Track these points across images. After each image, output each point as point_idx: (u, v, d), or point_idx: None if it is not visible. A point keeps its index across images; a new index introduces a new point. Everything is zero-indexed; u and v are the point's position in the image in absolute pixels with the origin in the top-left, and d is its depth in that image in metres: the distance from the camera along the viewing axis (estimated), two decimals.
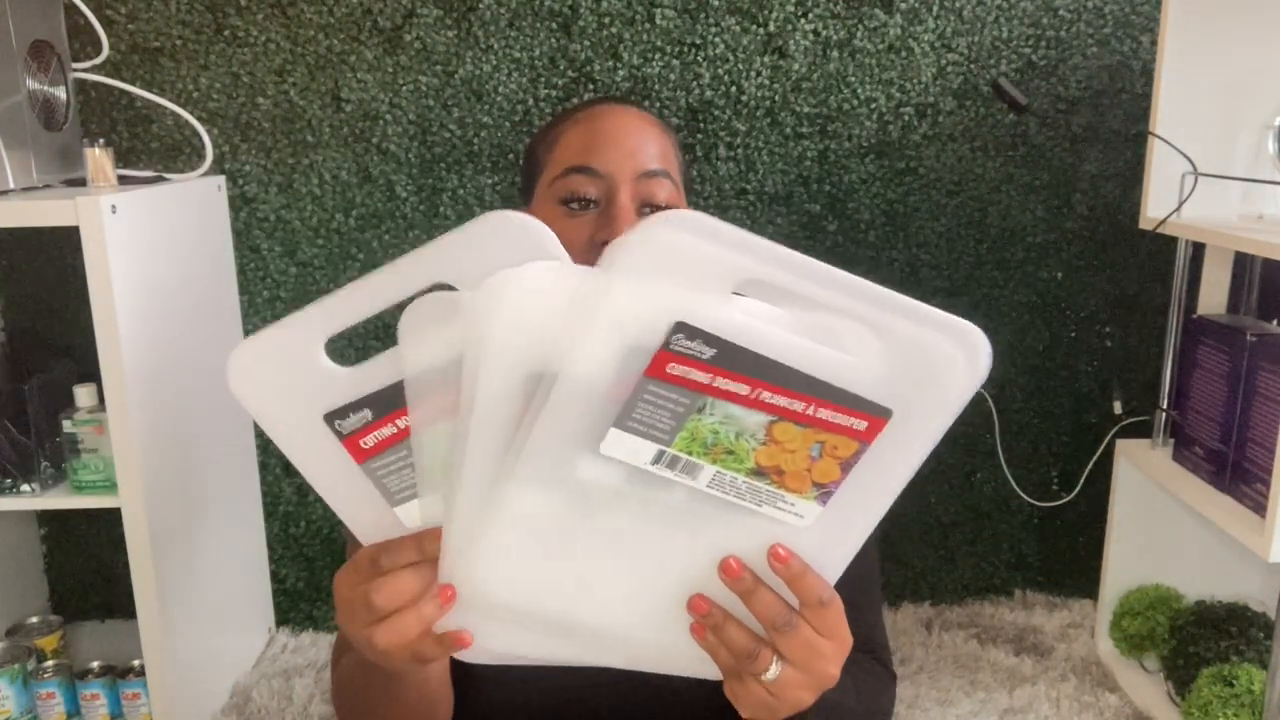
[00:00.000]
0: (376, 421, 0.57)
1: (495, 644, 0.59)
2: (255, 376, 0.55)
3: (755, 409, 0.52)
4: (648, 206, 0.83)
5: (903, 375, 0.51)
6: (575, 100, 1.55)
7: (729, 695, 0.60)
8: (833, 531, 0.55)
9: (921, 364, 0.51)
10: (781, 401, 0.51)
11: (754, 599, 0.56)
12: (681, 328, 0.50)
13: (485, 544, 0.56)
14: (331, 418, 0.56)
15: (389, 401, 0.57)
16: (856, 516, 0.55)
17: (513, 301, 0.52)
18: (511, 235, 0.52)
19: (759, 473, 0.53)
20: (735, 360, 0.51)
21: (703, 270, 0.50)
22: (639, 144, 0.84)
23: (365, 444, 0.57)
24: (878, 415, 0.52)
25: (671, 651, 0.59)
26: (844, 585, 0.58)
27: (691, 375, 0.51)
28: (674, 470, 0.54)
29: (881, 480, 0.54)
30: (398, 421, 0.57)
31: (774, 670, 0.57)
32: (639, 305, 0.50)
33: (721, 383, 0.51)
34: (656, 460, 0.53)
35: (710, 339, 0.50)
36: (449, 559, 0.56)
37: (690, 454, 0.53)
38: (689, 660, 0.60)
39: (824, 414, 0.52)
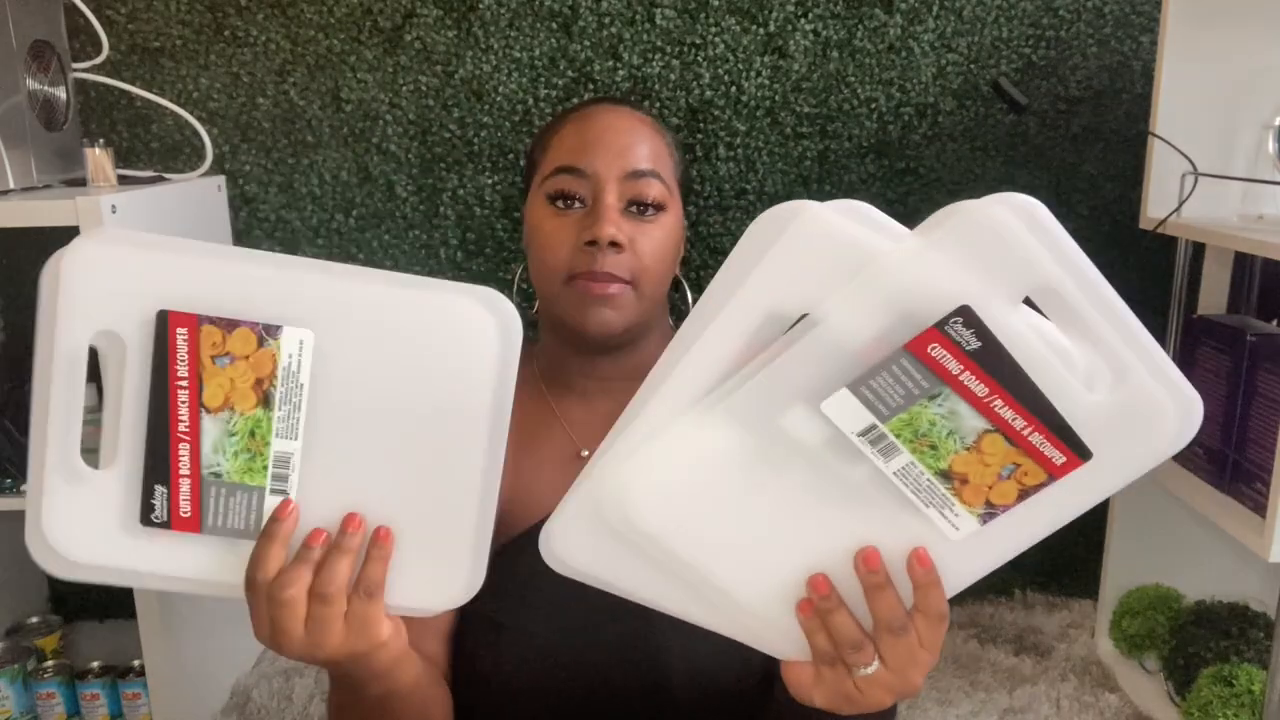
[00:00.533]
0: (171, 489, 0.58)
1: (584, 560, 0.60)
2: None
3: (981, 414, 0.52)
4: (635, 205, 0.83)
5: (1117, 424, 0.52)
6: (575, 100, 1.55)
7: (802, 680, 0.60)
8: (975, 552, 0.55)
9: (1139, 417, 0.52)
10: (1008, 414, 0.52)
11: (879, 595, 0.56)
12: (964, 312, 0.50)
13: (652, 465, 0.56)
14: (147, 521, 0.59)
15: (156, 460, 0.58)
16: (1001, 545, 0.55)
17: (789, 238, 0.51)
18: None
19: (946, 475, 0.54)
20: (991, 362, 0.51)
21: (1012, 263, 0.49)
22: (628, 144, 0.84)
23: (184, 515, 0.59)
24: (1078, 455, 0.52)
25: (764, 621, 0.59)
26: None
27: (946, 363, 0.51)
28: (874, 448, 0.54)
29: (1044, 518, 0.54)
30: (180, 470, 0.58)
31: (872, 667, 0.57)
32: (937, 276, 0.50)
33: (967, 378, 0.51)
34: (865, 432, 0.53)
35: (983, 333, 0.50)
36: (605, 464, 0.56)
37: (898, 436, 0.53)
38: (777, 635, 0.60)
39: (1035, 438, 0.52)
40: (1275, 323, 1.43)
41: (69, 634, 1.61)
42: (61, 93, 1.42)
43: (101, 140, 1.31)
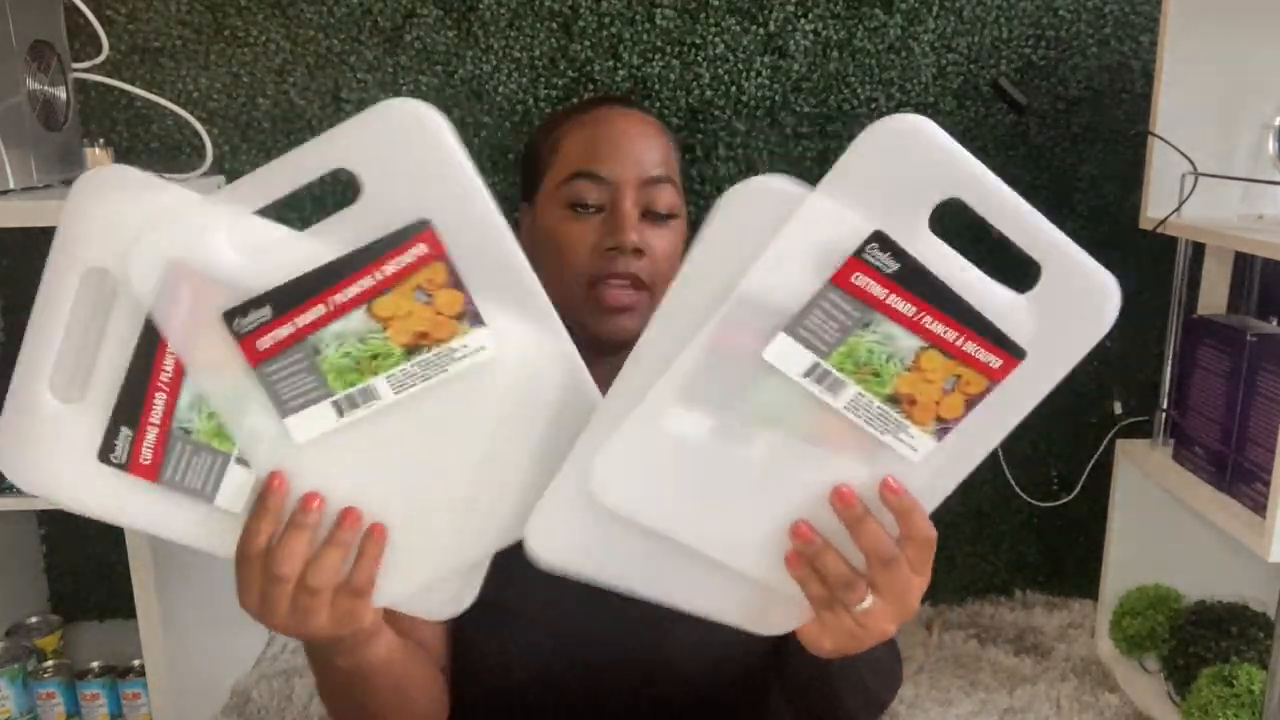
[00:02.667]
0: (275, 320, 0.56)
1: (569, 554, 0.60)
2: (155, 265, 0.55)
3: (913, 332, 0.54)
4: (650, 211, 0.85)
5: (1043, 318, 0.54)
6: (575, 100, 1.55)
7: (809, 635, 0.61)
8: (939, 469, 0.57)
9: (1061, 308, 0.54)
10: (939, 328, 0.54)
11: (862, 529, 0.57)
12: (877, 238, 0.53)
13: (618, 448, 0.57)
14: (231, 315, 0.56)
15: (291, 298, 0.56)
16: (961, 458, 0.57)
17: (795, 229, 0.53)
18: (412, 126, 0.55)
19: (894, 400, 0.55)
20: (912, 280, 0.53)
21: (910, 182, 0.52)
22: (643, 150, 0.85)
23: (261, 345, 0.57)
24: (1013, 355, 0.54)
25: (761, 590, 0.60)
26: None
27: (871, 288, 0.53)
28: (820, 385, 0.55)
29: (994, 422, 0.56)
30: (297, 320, 0.56)
31: (868, 602, 0.58)
32: (844, 211, 0.52)
33: (894, 300, 0.53)
34: (809, 372, 0.55)
35: (899, 254, 0.53)
36: (575, 454, 0.58)
37: (841, 370, 0.55)
38: (772, 604, 0.61)
39: (969, 347, 0.54)
40: (1275, 322, 1.43)
41: (69, 634, 1.61)
42: (61, 93, 1.42)
43: (101, 140, 1.31)
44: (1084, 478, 1.68)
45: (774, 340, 0.54)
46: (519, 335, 0.58)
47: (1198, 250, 1.48)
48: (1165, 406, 1.48)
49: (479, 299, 0.57)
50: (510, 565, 0.88)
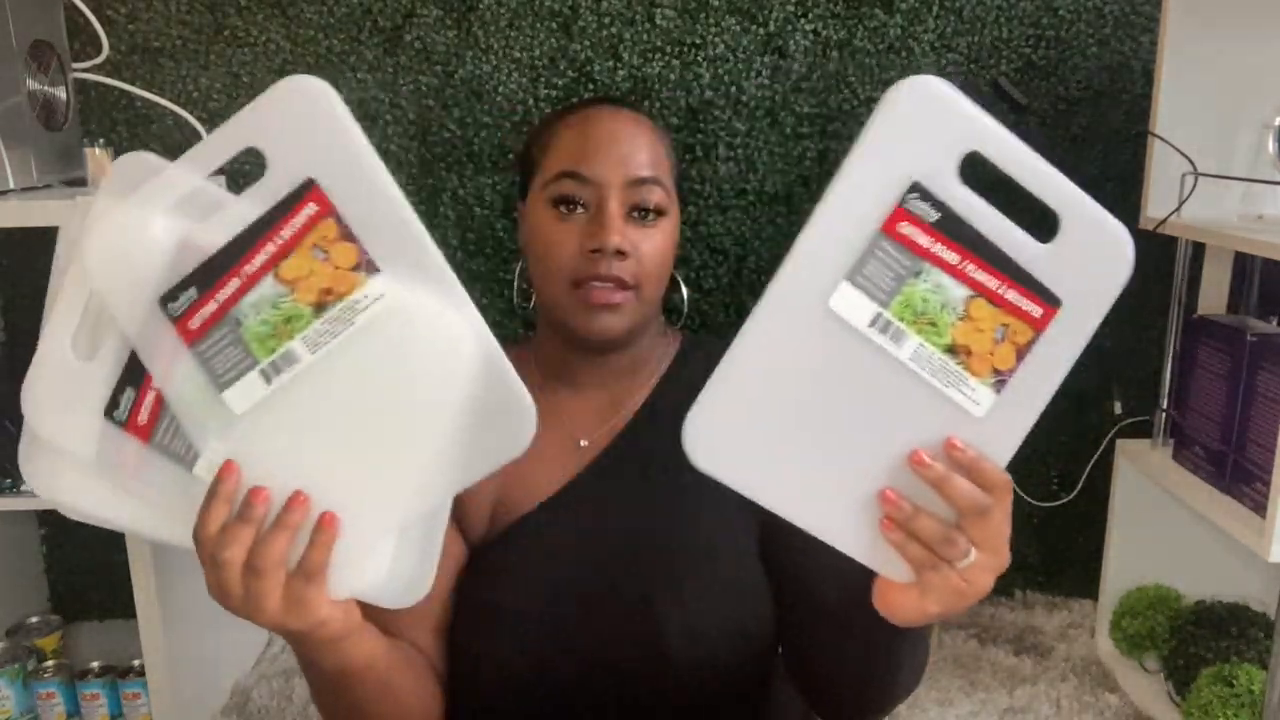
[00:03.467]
0: (200, 299, 0.59)
1: (722, 460, 0.61)
2: (104, 257, 0.59)
3: (961, 281, 0.56)
4: (637, 211, 0.85)
5: (1070, 266, 0.56)
6: (575, 100, 1.55)
7: (905, 602, 0.61)
8: (1003, 421, 0.58)
9: (1085, 256, 0.57)
10: (982, 277, 0.56)
11: (949, 486, 0.58)
12: (917, 188, 0.55)
13: (717, 407, 0.59)
14: (164, 301, 0.59)
15: (210, 274, 0.59)
16: (1022, 409, 0.58)
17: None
18: (299, 98, 0.58)
19: (952, 350, 0.57)
20: (954, 229, 0.55)
21: (936, 134, 0.55)
22: (630, 150, 0.85)
23: (192, 325, 0.60)
24: (1050, 304, 0.56)
25: (858, 545, 0.61)
26: None
27: (917, 238, 0.56)
28: (885, 335, 0.57)
29: (1045, 372, 0.57)
30: (218, 295, 0.59)
31: (970, 556, 0.59)
32: (880, 165, 0.55)
33: (939, 249, 0.56)
34: (873, 322, 0.57)
35: (938, 204, 0.55)
36: (720, 368, 0.59)
37: (901, 320, 0.57)
38: (874, 555, 0.61)
39: (1011, 295, 0.56)
40: (1275, 321, 1.43)
41: (69, 634, 1.61)
42: (61, 93, 1.42)
43: (101, 140, 1.31)
44: (1084, 478, 1.68)
45: (838, 288, 0.56)
46: (413, 282, 0.60)
47: (1198, 250, 1.48)
48: (1165, 406, 1.48)
49: (374, 250, 0.59)
50: (502, 564, 0.88)
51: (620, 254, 0.82)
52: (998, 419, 0.58)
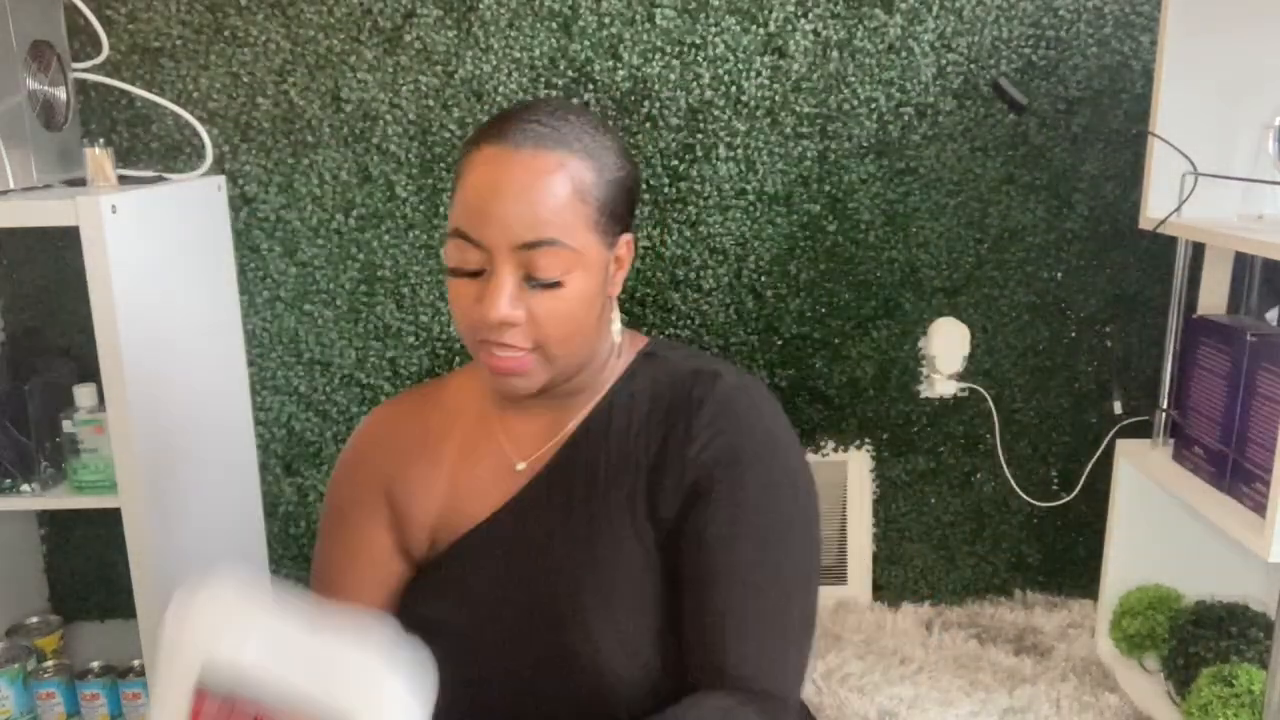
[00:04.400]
0: None
1: None
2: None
3: None
4: (531, 279, 0.78)
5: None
6: (575, 100, 1.55)
7: None
8: None
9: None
10: None
11: None
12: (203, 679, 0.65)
13: None
14: None
15: None
16: None
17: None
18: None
19: None
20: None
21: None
22: (523, 209, 0.76)
23: None
24: None
25: None
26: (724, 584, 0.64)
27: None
28: None
29: None
30: None
31: None
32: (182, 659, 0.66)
33: None
34: None
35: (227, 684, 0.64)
36: None
37: None
38: None
39: None
40: (1275, 313, 1.43)
41: (69, 634, 1.61)
42: (61, 93, 1.42)
43: (101, 140, 1.31)
44: (1084, 478, 1.68)
45: None
46: None
47: (1198, 250, 1.48)
48: (1165, 406, 1.48)
49: None
50: (435, 581, 0.89)
51: (510, 324, 0.77)
52: None
